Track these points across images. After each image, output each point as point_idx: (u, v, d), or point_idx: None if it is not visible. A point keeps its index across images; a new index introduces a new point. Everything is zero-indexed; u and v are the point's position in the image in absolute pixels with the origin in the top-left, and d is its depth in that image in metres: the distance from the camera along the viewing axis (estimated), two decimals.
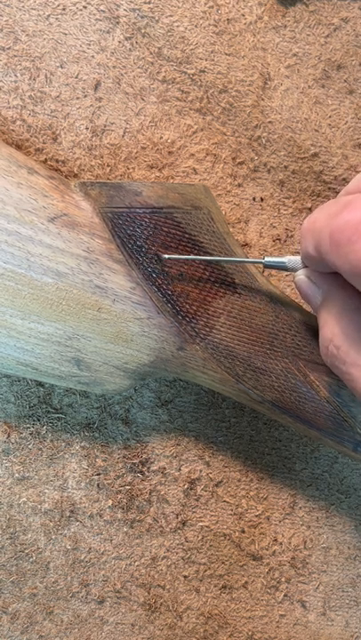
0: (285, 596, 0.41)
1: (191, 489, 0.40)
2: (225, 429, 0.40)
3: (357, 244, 0.26)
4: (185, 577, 0.40)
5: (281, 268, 0.33)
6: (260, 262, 0.33)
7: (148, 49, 0.37)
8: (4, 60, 0.37)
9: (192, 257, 0.34)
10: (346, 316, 0.30)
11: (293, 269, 0.33)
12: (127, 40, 0.37)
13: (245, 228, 0.39)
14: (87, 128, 0.37)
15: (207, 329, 0.34)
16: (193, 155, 0.38)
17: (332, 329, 0.30)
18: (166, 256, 0.33)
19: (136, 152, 0.38)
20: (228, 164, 0.38)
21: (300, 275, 0.32)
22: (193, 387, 0.39)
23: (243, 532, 0.40)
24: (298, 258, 0.32)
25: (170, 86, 0.37)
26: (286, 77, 0.38)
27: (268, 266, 0.33)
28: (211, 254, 0.34)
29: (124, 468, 0.39)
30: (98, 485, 0.39)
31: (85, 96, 0.37)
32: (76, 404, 0.39)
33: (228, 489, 0.40)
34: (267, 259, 0.33)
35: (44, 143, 0.37)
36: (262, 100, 0.38)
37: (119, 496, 0.39)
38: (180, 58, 0.37)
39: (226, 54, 0.37)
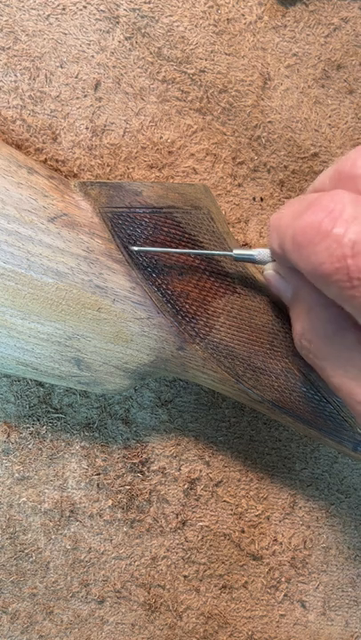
0: (285, 595, 0.41)
1: (191, 489, 0.40)
2: (225, 429, 0.40)
3: (318, 246, 0.26)
4: (185, 577, 0.40)
5: (250, 260, 0.33)
6: (230, 255, 0.33)
7: (148, 49, 0.37)
8: (3, 59, 0.37)
9: (163, 249, 0.34)
10: (314, 311, 0.30)
11: (263, 262, 0.33)
12: (127, 40, 0.37)
13: (245, 227, 0.39)
14: (87, 128, 0.37)
15: (207, 329, 0.34)
16: (193, 154, 0.38)
17: (302, 324, 0.31)
18: (135, 248, 0.33)
19: (136, 152, 0.38)
20: (228, 163, 0.38)
21: (269, 269, 0.33)
22: (193, 387, 0.39)
23: (243, 531, 0.40)
24: (267, 251, 0.32)
25: (170, 86, 0.37)
26: (286, 77, 0.38)
27: (237, 258, 0.33)
28: (211, 254, 0.34)
29: (124, 468, 0.39)
30: (98, 485, 0.39)
31: (85, 96, 0.37)
32: (76, 403, 0.39)
33: (228, 489, 0.40)
34: (235, 251, 0.33)
35: (43, 143, 0.37)
36: (262, 99, 0.38)
37: (119, 496, 0.39)
38: (180, 58, 0.37)
39: (226, 54, 0.37)
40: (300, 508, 0.41)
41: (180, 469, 0.40)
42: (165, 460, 0.40)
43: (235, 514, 0.40)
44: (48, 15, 0.37)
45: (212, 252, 0.34)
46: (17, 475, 0.39)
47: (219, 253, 0.34)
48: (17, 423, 0.39)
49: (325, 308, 0.29)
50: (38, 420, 0.39)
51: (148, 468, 0.40)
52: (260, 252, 0.33)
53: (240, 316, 0.34)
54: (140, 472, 0.39)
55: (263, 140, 0.38)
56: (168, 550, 0.40)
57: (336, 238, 0.26)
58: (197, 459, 0.40)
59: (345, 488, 0.41)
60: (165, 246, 0.34)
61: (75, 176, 0.38)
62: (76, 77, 0.37)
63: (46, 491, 0.39)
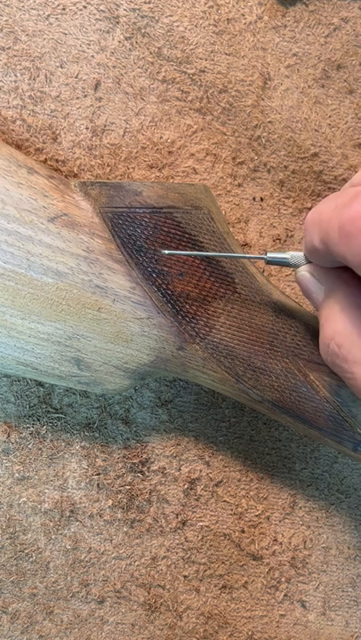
0: (285, 595, 0.41)
1: (191, 489, 0.40)
2: (225, 429, 0.40)
3: None
4: (185, 577, 0.40)
5: (283, 263, 0.32)
6: (263, 258, 0.33)
7: (148, 49, 0.37)
8: (3, 59, 0.37)
9: (193, 252, 0.34)
10: (349, 312, 0.29)
11: (296, 265, 0.32)
12: (127, 40, 0.37)
13: (245, 227, 0.39)
14: (87, 128, 0.37)
15: (207, 329, 0.34)
16: (193, 154, 0.38)
17: (334, 326, 0.30)
18: (167, 252, 0.33)
19: (136, 152, 0.38)
20: (228, 163, 0.38)
21: (303, 271, 0.32)
22: (193, 387, 0.39)
23: (243, 531, 0.40)
24: (300, 253, 0.32)
25: (170, 86, 0.37)
26: (286, 77, 0.38)
27: (270, 262, 0.33)
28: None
29: (124, 468, 0.39)
30: (98, 485, 0.39)
31: (85, 96, 0.37)
32: (76, 403, 0.39)
33: (228, 489, 0.40)
34: (269, 254, 0.32)
35: (43, 143, 0.37)
36: (262, 99, 0.38)
37: (119, 496, 0.39)
38: (180, 58, 0.37)
39: (226, 54, 0.37)
40: (300, 508, 0.41)
41: (180, 469, 0.40)
42: (165, 460, 0.40)
43: (235, 514, 0.40)
44: (48, 15, 0.37)
45: (245, 256, 0.34)
46: (17, 475, 0.39)
47: (252, 257, 0.33)
48: (17, 423, 0.39)
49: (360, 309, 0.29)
50: (38, 419, 0.39)
51: (148, 468, 0.40)
52: (294, 255, 0.32)
53: (240, 316, 0.34)
54: (140, 472, 0.39)
55: (263, 140, 0.38)
56: (168, 550, 0.40)
57: None
58: (197, 459, 0.40)
59: (345, 488, 0.41)
60: (165, 246, 0.34)
61: (75, 176, 0.38)
62: (76, 77, 0.37)
63: (46, 491, 0.39)
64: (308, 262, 0.32)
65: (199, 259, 0.34)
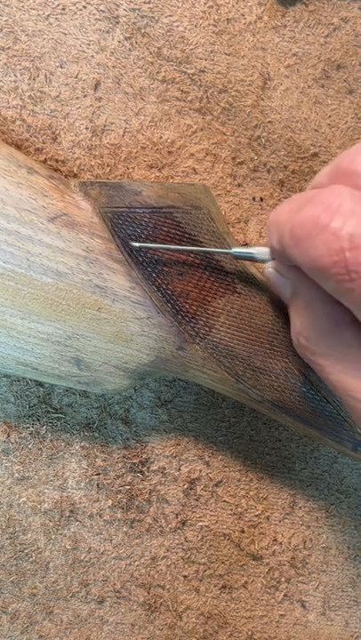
0: (285, 595, 0.41)
1: (191, 489, 0.40)
2: (225, 429, 0.40)
3: (317, 239, 0.26)
4: (185, 577, 0.40)
5: (250, 258, 0.33)
6: (228, 252, 0.33)
7: (147, 49, 0.37)
8: (3, 59, 0.37)
9: (163, 246, 0.34)
10: (313, 307, 0.30)
11: (262, 260, 0.33)
12: (127, 40, 0.37)
13: (245, 227, 0.39)
14: (87, 128, 0.37)
15: (207, 328, 0.34)
16: (193, 154, 0.38)
17: (301, 321, 0.31)
18: (137, 244, 0.33)
19: (136, 152, 0.38)
20: (228, 163, 0.38)
21: (269, 267, 0.33)
22: (193, 387, 0.39)
23: (243, 531, 0.40)
24: (267, 249, 0.32)
25: (170, 86, 0.37)
26: (286, 77, 0.38)
27: (237, 256, 0.33)
28: (211, 254, 0.34)
29: (123, 468, 0.39)
30: (98, 485, 0.39)
31: (85, 96, 0.37)
32: (75, 403, 0.39)
33: (228, 489, 0.40)
34: (235, 249, 0.33)
35: (43, 143, 0.37)
36: (262, 99, 0.38)
37: (119, 496, 0.39)
38: (180, 58, 0.37)
39: (226, 54, 0.37)
40: (300, 508, 0.41)
41: (179, 469, 0.40)
42: (165, 460, 0.40)
43: (235, 514, 0.40)
44: (48, 15, 0.37)
45: (212, 250, 0.34)
46: (17, 475, 0.39)
47: (218, 251, 0.34)
48: (17, 423, 0.39)
49: (324, 303, 0.29)
50: (38, 419, 0.39)
51: (148, 468, 0.40)
52: (260, 251, 0.33)
53: (240, 316, 0.34)
54: (140, 472, 0.39)
55: (263, 140, 0.38)
56: (168, 550, 0.40)
57: (334, 231, 0.26)
58: (197, 459, 0.40)
59: (345, 488, 0.41)
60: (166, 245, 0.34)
61: (75, 176, 0.38)
62: (75, 77, 0.37)
63: (46, 491, 0.39)
64: (274, 258, 0.32)
65: (199, 258, 0.34)
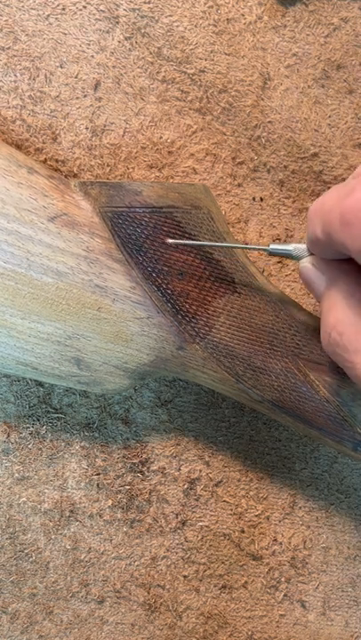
0: (285, 595, 0.41)
1: (191, 489, 0.40)
2: (225, 429, 0.40)
3: None
4: (185, 577, 0.40)
5: (286, 255, 0.33)
6: (266, 249, 0.33)
7: (147, 49, 0.37)
8: (3, 59, 0.37)
9: (196, 242, 0.34)
10: (351, 302, 0.30)
11: (298, 257, 0.33)
12: (127, 40, 0.37)
13: (245, 227, 0.39)
14: (87, 128, 0.37)
15: (207, 328, 0.34)
16: (193, 154, 0.38)
17: (335, 315, 0.30)
18: (170, 240, 0.33)
19: (136, 152, 0.38)
20: (228, 163, 0.38)
21: (305, 262, 0.32)
22: (193, 387, 0.39)
23: (242, 531, 0.40)
24: (303, 246, 0.32)
25: (170, 86, 0.37)
26: (286, 77, 0.38)
27: (273, 253, 0.33)
28: (211, 253, 0.34)
29: (123, 468, 0.39)
30: (98, 485, 0.39)
31: (85, 96, 0.37)
32: (75, 403, 0.39)
33: (228, 489, 0.40)
34: (272, 246, 0.33)
35: (43, 143, 0.37)
36: (262, 99, 0.38)
37: (119, 496, 0.39)
38: (180, 58, 0.37)
39: (226, 54, 0.37)
40: (300, 508, 0.41)
41: (179, 469, 0.40)
42: (165, 460, 0.40)
43: (235, 514, 0.40)
44: (48, 15, 0.37)
45: (249, 247, 0.34)
46: (17, 475, 0.39)
47: (255, 248, 0.33)
48: (17, 423, 0.39)
49: None
50: (38, 419, 0.39)
51: (148, 468, 0.40)
52: (297, 247, 0.32)
53: (240, 316, 0.34)
54: (140, 472, 0.39)
55: (263, 140, 0.38)
56: (168, 550, 0.40)
57: None
58: (197, 459, 0.40)
59: (345, 488, 0.41)
60: (166, 245, 0.34)
61: (75, 176, 0.38)
62: (75, 77, 0.37)
63: (46, 491, 0.39)
64: (311, 254, 0.32)
65: (199, 258, 0.34)
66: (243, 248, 0.34)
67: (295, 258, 0.33)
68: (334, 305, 0.30)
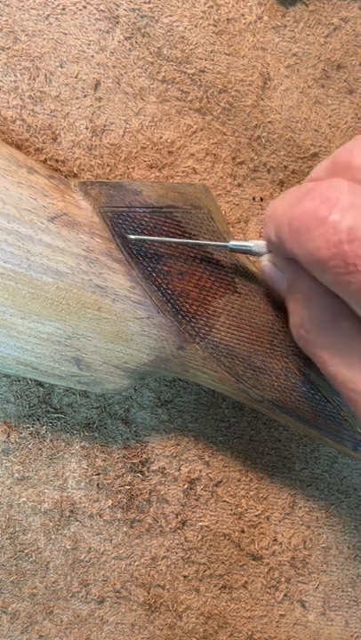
0: (285, 595, 0.41)
1: (191, 489, 0.40)
2: (225, 429, 0.40)
3: (315, 232, 0.26)
4: (185, 577, 0.40)
5: (247, 252, 0.33)
6: (225, 245, 0.33)
7: (147, 49, 0.37)
8: (3, 59, 0.37)
9: (159, 238, 0.33)
10: (311, 300, 0.30)
11: (259, 254, 0.33)
12: (127, 40, 0.37)
13: (245, 227, 0.39)
14: (87, 128, 0.37)
15: (207, 328, 0.34)
16: (193, 154, 0.38)
17: (299, 313, 0.31)
18: (133, 237, 0.33)
19: (136, 152, 0.38)
20: (228, 163, 0.38)
21: (265, 260, 0.33)
22: (193, 387, 0.39)
23: (243, 531, 0.40)
24: (263, 242, 0.32)
25: (170, 86, 0.37)
26: (286, 77, 0.38)
27: (233, 249, 0.33)
28: (211, 253, 0.34)
29: (123, 468, 0.39)
30: (98, 485, 0.39)
31: (85, 96, 0.37)
32: (75, 403, 0.39)
33: (228, 489, 0.40)
34: (232, 242, 0.33)
35: (43, 143, 0.37)
36: (262, 99, 0.38)
37: (119, 496, 0.39)
38: (180, 58, 0.37)
39: (226, 54, 0.37)
40: (300, 508, 0.40)
41: (179, 469, 0.40)
42: (165, 460, 0.40)
43: (235, 514, 0.40)
44: (48, 15, 0.37)
45: (208, 243, 0.34)
46: (17, 475, 0.39)
47: (214, 244, 0.34)
48: (17, 423, 0.39)
49: (322, 296, 0.29)
50: (38, 419, 0.39)
51: (148, 468, 0.40)
52: (257, 244, 0.33)
53: (240, 316, 0.34)
54: (140, 472, 0.39)
55: (263, 140, 0.38)
56: (168, 550, 0.40)
57: (333, 224, 0.26)
58: (197, 459, 0.40)
59: (345, 488, 0.41)
60: (166, 245, 0.34)
61: (75, 176, 0.38)
62: (75, 77, 0.37)
63: (46, 491, 0.39)
64: (271, 251, 0.32)
65: (200, 257, 0.34)
66: (202, 244, 0.34)
67: (256, 254, 0.33)
68: (298, 304, 0.31)
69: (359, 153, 0.28)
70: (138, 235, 0.33)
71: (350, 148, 0.28)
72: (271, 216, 0.30)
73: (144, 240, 0.33)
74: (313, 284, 0.30)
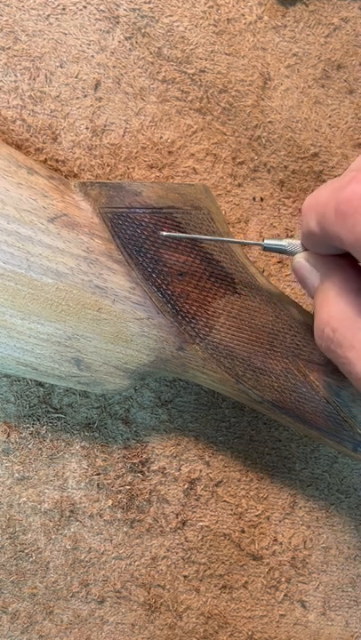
0: (285, 595, 0.41)
1: (191, 489, 0.40)
2: (225, 429, 0.40)
3: None
4: (185, 577, 0.40)
5: (280, 250, 0.33)
6: (260, 244, 0.33)
7: (148, 49, 0.37)
8: (3, 59, 0.37)
9: (191, 235, 0.34)
10: (344, 297, 0.29)
11: (292, 252, 0.33)
12: (127, 40, 0.37)
13: (245, 227, 0.39)
14: (87, 128, 0.37)
15: (207, 329, 0.34)
16: (193, 154, 0.38)
17: (329, 311, 0.30)
18: (164, 233, 0.33)
19: (136, 152, 0.38)
20: (228, 163, 0.38)
21: (299, 258, 0.32)
22: (193, 387, 0.39)
23: (243, 531, 0.40)
24: (298, 242, 0.32)
25: (170, 86, 0.37)
26: (286, 77, 0.38)
27: (267, 248, 0.33)
28: (211, 254, 0.34)
29: (124, 468, 0.39)
30: (98, 485, 0.39)
31: (85, 96, 0.37)
32: (75, 403, 0.39)
33: (228, 489, 0.40)
34: (266, 241, 0.33)
35: (43, 143, 0.37)
36: (262, 99, 0.38)
37: (119, 496, 0.39)
38: (180, 58, 0.37)
39: (226, 54, 0.37)
40: (300, 508, 0.41)
41: (180, 469, 0.40)
42: (165, 460, 0.40)
43: (235, 514, 0.40)
44: (48, 15, 0.37)
45: (243, 242, 0.34)
46: (17, 475, 0.39)
47: (250, 243, 0.34)
48: (17, 423, 0.39)
49: (356, 294, 0.29)
50: (38, 419, 0.39)
51: (148, 468, 0.40)
52: (291, 243, 0.32)
53: (240, 317, 0.34)
54: (140, 472, 0.39)
55: (263, 140, 0.38)
56: (168, 550, 0.40)
57: None
58: (197, 459, 0.40)
59: (345, 488, 0.41)
60: (166, 246, 0.34)
61: (75, 176, 0.38)
62: (76, 77, 0.37)
63: (46, 491, 0.39)
64: (305, 250, 0.32)
65: (199, 259, 0.34)
66: (238, 243, 0.34)
67: (289, 253, 0.33)
68: (328, 300, 0.30)
69: None
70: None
71: None
72: (312, 206, 0.30)
73: (175, 237, 0.33)
74: (348, 281, 0.30)
